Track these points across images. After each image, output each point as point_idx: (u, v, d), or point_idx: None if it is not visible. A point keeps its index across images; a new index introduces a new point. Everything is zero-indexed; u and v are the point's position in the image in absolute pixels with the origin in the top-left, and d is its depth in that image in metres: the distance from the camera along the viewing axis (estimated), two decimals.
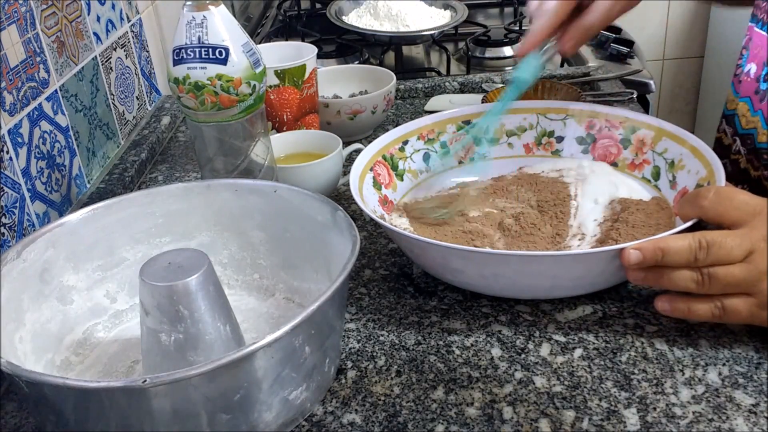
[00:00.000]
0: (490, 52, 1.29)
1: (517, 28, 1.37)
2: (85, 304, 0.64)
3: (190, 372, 0.45)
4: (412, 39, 1.27)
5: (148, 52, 1.13)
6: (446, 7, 1.32)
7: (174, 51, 0.66)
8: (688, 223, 0.59)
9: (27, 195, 0.75)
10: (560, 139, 0.82)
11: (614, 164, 0.79)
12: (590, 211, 0.73)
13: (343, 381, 0.59)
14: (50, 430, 0.52)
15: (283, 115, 0.91)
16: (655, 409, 0.54)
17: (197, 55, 0.65)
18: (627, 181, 0.76)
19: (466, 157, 0.82)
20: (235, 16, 0.77)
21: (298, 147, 0.86)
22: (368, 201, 0.71)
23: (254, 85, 0.68)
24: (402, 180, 0.78)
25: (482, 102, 0.95)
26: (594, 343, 0.60)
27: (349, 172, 0.73)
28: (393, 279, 0.70)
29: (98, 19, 0.96)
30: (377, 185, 0.75)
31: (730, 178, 0.70)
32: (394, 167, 0.78)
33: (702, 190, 0.60)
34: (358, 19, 1.28)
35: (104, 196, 0.85)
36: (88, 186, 0.90)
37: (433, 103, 1.08)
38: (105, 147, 0.96)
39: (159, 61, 1.18)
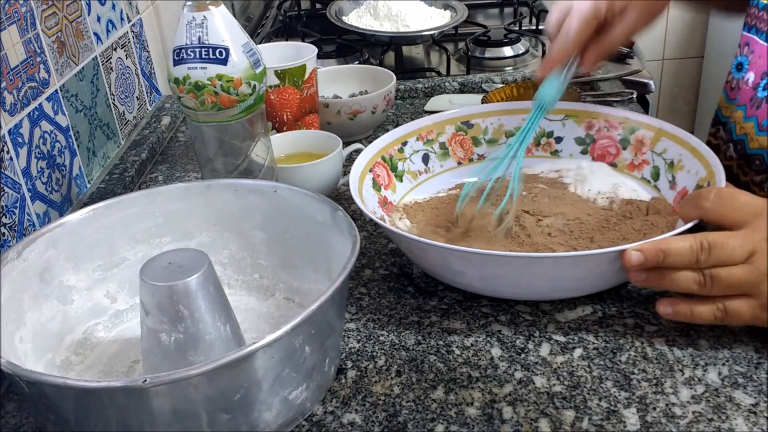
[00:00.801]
0: (490, 53, 1.29)
1: (517, 28, 1.37)
2: (86, 304, 0.64)
3: (190, 372, 0.45)
4: (412, 39, 1.27)
5: (148, 52, 1.13)
6: (446, 7, 1.32)
7: (174, 51, 0.66)
8: (689, 224, 0.59)
9: (27, 195, 0.75)
10: (559, 140, 0.82)
11: (613, 165, 0.79)
12: None
13: (343, 381, 0.59)
14: (50, 430, 0.52)
15: (283, 115, 0.91)
16: (654, 408, 0.54)
17: (197, 55, 0.65)
18: (626, 182, 0.76)
19: (465, 157, 0.82)
20: (235, 16, 0.77)
21: (298, 147, 0.86)
22: (368, 202, 0.71)
23: (254, 85, 0.68)
24: (401, 181, 0.78)
25: (482, 102, 0.96)
26: (594, 343, 0.60)
27: (349, 172, 0.73)
28: (393, 279, 0.70)
29: (98, 19, 0.96)
30: (377, 186, 0.75)
31: None
32: (393, 168, 0.78)
33: (703, 191, 0.60)
34: (358, 19, 1.28)
35: (104, 196, 0.85)
36: (89, 186, 0.90)
37: (433, 103, 1.08)
38: (105, 147, 0.96)
39: (159, 61, 1.18)
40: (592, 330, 0.62)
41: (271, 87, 0.89)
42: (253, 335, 0.62)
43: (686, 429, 0.52)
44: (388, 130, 0.79)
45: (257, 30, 1.49)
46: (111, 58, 0.99)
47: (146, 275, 0.52)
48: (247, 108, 0.69)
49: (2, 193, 0.70)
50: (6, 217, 0.70)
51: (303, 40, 1.23)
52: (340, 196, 0.85)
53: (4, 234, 0.70)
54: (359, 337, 0.63)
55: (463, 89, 1.13)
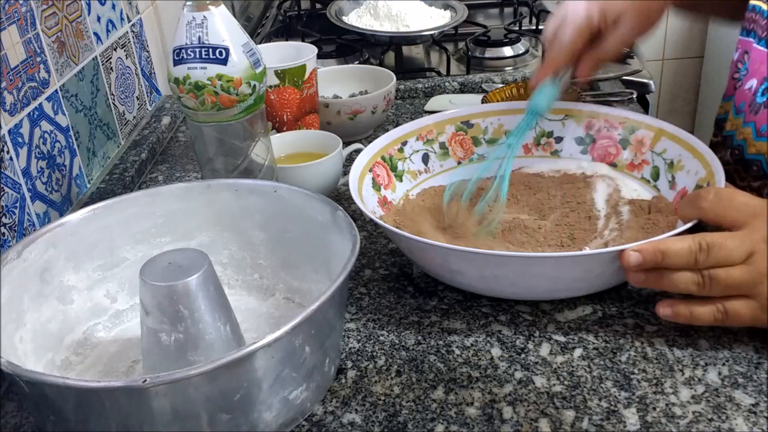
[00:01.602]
0: (490, 53, 1.29)
1: (517, 28, 1.37)
2: (86, 304, 0.64)
3: (190, 372, 0.45)
4: (412, 39, 1.27)
5: (148, 52, 1.13)
6: (446, 7, 1.32)
7: (174, 51, 0.66)
8: (688, 225, 0.59)
9: (27, 195, 0.75)
10: (559, 140, 0.82)
11: (613, 165, 0.79)
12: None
13: (343, 381, 0.59)
14: (50, 430, 0.52)
15: (283, 115, 0.91)
16: (654, 408, 0.54)
17: (197, 55, 0.65)
18: (626, 182, 0.76)
19: (465, 157, 0.82)
20: (235, 16, 0.77)
21: (298, 147, 0.86)
22: (368, 202, 0.71)
23: (254, 85, 0.68)
24: (401, 181, 0.78)
25: (482, 102, 0.96)
26: (594, 343, 0.60)
27: (349, 172, 0.73)
28: (393, 279, 0.70)
29: (98, 19, 0.96)
30: (376, 186, 0.75)
31: None
32: (393, 168, 0.78)
33: (702, 191, 0.60)
34: (358, 19, 1.28)
35: (104, 196, 0.85)
36: (89, 186, 0.90)
37: (433, 103, 1.08)
38: (105, 147, 0.96)
39: (159, 61, 1.18)
40: (592, 330, 0.62)
41: (271, 87, 0.89)
42: (253, 335, 0.62)
43: (686, 429, 0.52)
44: (388, 130, 0.79)
45: (257, 30, 1.49)
46: (111, 58, 0.99)
47: (146, 275, 0.52)
48: (247, 108, 0.69)
49: (2, 193, 0.70)
50: (6, 217, 0.70)
51: (303, 40, 1.23)
52: (340, 196, 0.85)
53: (4, 234, 0.70)
54: (359, 337, 0.63)
55: (463, 89, 1.13)
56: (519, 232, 0.70)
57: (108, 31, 0.99)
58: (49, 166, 0.80)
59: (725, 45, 1.99)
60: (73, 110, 0.87)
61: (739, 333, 0.60)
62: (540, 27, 1.38)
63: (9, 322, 0.56)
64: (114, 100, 0.99)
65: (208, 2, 0.65)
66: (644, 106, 1.16)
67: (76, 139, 0.87)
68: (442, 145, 0.82)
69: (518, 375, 0.58)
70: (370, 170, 0.75)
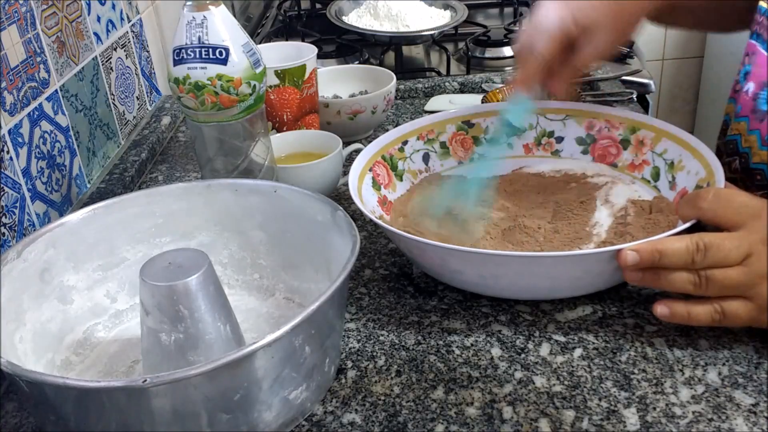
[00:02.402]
0: (490, 53, 1.29)
1: (517, 28, 1.37)
2: (86, 303, 0.64)
3: (190, 372, 0.45)
4: (412, 39, 1.27)
5: (148, 52, 1.14)
6: (446, 7, 1.32)
7: (174, 51, 0.66)
8: (687, 225, 0.59)
9: (27, 195, 0.75)
10: (560, 140, 0.82)
11: (614, 165, 0.79)
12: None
13: (343, 381, 0.59)
14: (50, 430, 0.52)
15: (283, 115, 0.91)
16: (654, 408, 0.54)
17: (197, 55, 0.65)
18: (627, 182, 0.76)
19: (466, 157, 0.82)
20: (235, 16, 0.77)
21: (298, 147, 0.86)
22: (367, 201, 0.71)
23: (254, 85, 0.68)
24: (401, 180, 0.78)
25: (482, 102, 0.96)
26: (594, 343, 0.60)
27: (348, 172, 0.73)
28: (393, 279, 0.70)
29: (98, 19, 0.96)
30: (376, 185, 0.75)
31: None
32: (394, 167, 0.78)
33: (701, 191, 0.60)
34: (358, 19, 1.28)
35: (104, 196, 0.85)
36: (89, 186, 0.90)
37: (433, 103, 1.08)
38: (105, 147, 0.96)
39: (159, 61, 1.18)
40: (592, 330, 0.62)
41: (271, 87, 0.89)
42: (253, 335, 0.62)
43: (686, 429, 0.52)
44: (388, 130, 0.79)
45: (257, 30, 1.49)
46: (111, 58, 0.99)
47: (146, 275, 0.52)
48: (247, 108, 0.69)
49: (2, 193, 0.70)
50: (6, 217, 0.70)
51: (303, 40, 1.23)
52: (340, 196, 0.85)
53: (4, 234, 0.70)
54: (359, 337, 0.63)
55: (463, 89, 1.13)
56: (519, 232, 0.70)
57: (108, 31, 0.99)
58: (49, 166, 0.80)
59: (725, 45, 1.99)
60: (73, 110, 0.87)
61: (739, 333, 0.60)
62: None
63: (9, 322, 0.56)
64: (114, 100, 0.99)
65: (208, 2, 0.65)
66: (644, 106, 1.17)
67: (76, 139, 0.87)
68: (443, 145, 0.82)
69: (518, 375, 0.58)
70: (370, 170, 0.75)
